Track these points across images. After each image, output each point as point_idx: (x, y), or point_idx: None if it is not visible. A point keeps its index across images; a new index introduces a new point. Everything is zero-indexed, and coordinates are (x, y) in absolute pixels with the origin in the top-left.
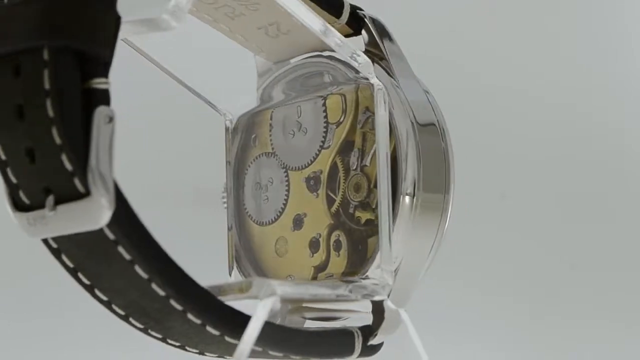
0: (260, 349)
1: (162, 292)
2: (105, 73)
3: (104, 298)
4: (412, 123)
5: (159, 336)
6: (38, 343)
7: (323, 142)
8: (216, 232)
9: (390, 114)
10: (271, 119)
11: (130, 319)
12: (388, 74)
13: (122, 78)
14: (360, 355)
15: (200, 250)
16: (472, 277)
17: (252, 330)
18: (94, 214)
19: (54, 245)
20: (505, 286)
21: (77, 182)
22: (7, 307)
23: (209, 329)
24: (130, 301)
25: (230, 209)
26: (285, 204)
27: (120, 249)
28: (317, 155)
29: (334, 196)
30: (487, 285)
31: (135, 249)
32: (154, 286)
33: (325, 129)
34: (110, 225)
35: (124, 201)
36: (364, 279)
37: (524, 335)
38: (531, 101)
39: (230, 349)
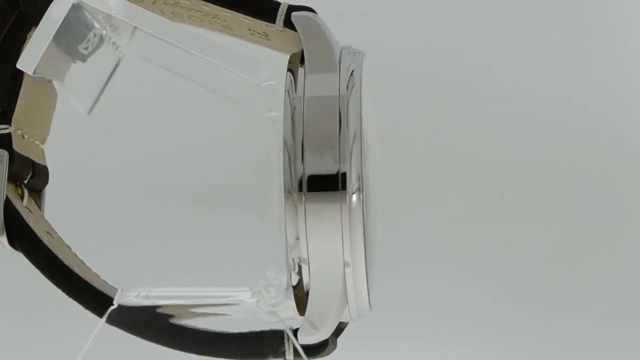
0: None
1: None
2: (3, 120)
3: None
4: (302, 118)
5: None
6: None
7: None
8: (216, 233)
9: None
10: None
11: None
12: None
13: (126, 78)
14: (299, 356)
15: (198, 251)
16: (470, 277)
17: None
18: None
19: None
20: (503, 286)
21: None
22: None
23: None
24: None
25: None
26: None
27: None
28: None
29: None
30: (486, 286)
31: (33, 260)
32: None
33: None
34: (15, 246)
35: (20, 223)
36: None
37: (523, 336)
38: (532, 100)
39: None
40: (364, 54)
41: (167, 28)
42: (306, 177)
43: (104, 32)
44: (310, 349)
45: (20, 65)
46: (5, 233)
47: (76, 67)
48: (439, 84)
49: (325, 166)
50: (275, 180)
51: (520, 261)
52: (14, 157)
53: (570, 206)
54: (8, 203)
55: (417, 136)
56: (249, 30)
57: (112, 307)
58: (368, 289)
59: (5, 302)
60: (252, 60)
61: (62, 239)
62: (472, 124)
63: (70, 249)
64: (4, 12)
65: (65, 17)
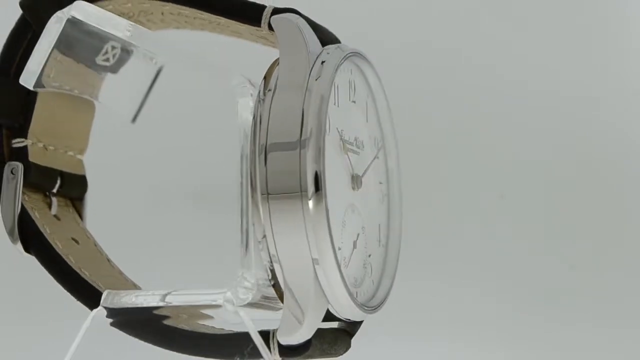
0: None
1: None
2: (20, 134)
3: None
4: (267, 119)
5: None
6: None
7: None
8: (216, 233)
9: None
10: None
11: None
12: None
13: None
14: (282, 356)
15: (197, 251)
16: (470, 277)
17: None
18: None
19: None
20: (504, 286)
21: None
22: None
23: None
24: None
25: None
26: None
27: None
28: None
29: None
30: (485, 286)
31: (45, 265)
32: None
33: None
34: (29, 251)
35: (34, 231)
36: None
37: (523, 336)
38: (532, 100)
39: None
40: (351, 52)
41: (168, 46)
42: (267, 177)
43: (130, 46)
44: (291, 350)
45: (22, 81)
46: (19, 241)
47: (109, 79)
48: (438, 83)
49: (285, 166)
50: (241, 181)
51: (520, 261)
52: (30, 168)
53: (570, 206)
54: (24, 213)
55: (417, 136)
56: (251, 34)
57: (95, 310)
58: (346, 286)
59: (5, 302)
60: (224, 69)
61: (94, 245)
62: (472, 123)
63: (100, 254)
64: (19, 33)
65: (65, 33)
